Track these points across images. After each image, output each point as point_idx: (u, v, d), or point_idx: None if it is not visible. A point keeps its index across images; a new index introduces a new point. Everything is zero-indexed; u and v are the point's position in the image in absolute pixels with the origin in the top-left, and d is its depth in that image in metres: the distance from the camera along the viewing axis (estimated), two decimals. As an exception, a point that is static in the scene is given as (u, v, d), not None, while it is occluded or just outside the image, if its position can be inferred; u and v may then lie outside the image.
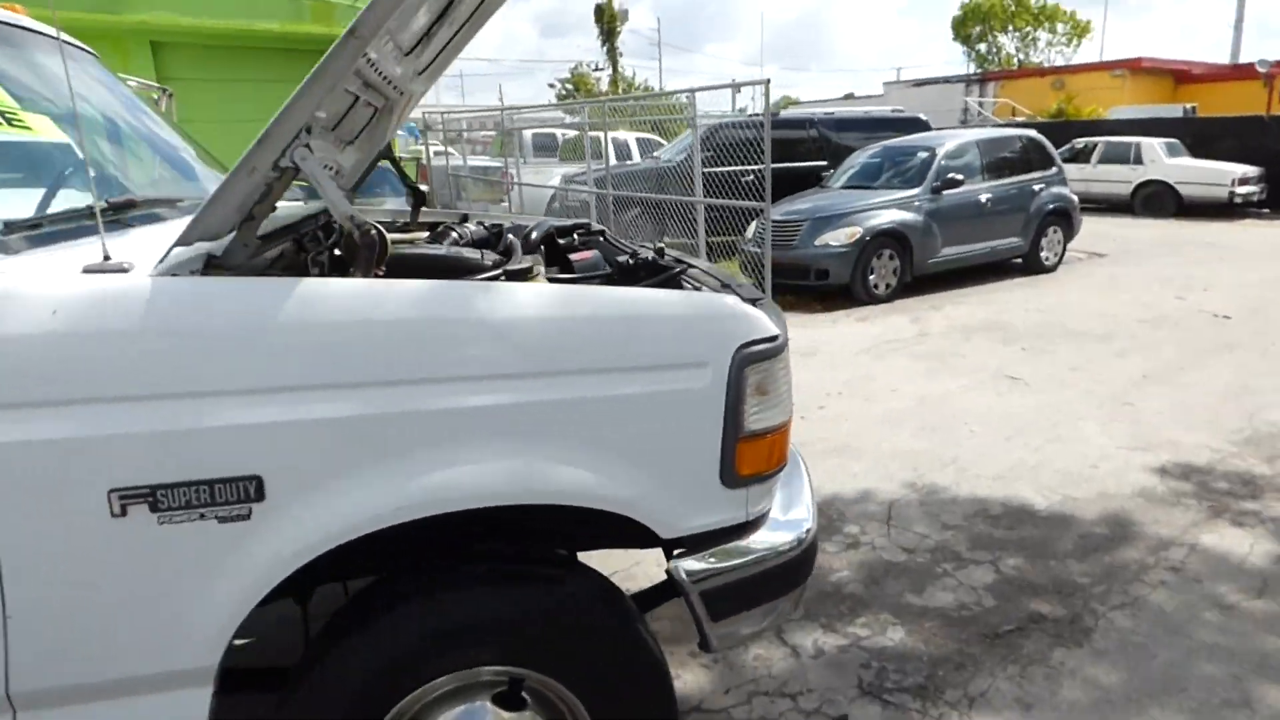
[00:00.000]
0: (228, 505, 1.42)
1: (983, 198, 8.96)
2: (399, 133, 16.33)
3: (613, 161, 11.88)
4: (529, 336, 1.54)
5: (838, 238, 8.09)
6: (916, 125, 11.72)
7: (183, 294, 1.42)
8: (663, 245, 2.47)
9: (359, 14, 1.50)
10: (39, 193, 1.81)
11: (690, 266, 2.22)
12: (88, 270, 1.43)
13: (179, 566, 1.42)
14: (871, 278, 8.26)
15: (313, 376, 1.44)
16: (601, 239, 2.91)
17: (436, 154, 13.95)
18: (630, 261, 2.18)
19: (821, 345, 6.80)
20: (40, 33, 2.16)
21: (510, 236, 2.59)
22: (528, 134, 13.61)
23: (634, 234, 9.26)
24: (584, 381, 1.57)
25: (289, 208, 2.98)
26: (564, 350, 1.56)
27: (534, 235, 2.81)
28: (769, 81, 6.13)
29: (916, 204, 8.54)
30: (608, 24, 35.59)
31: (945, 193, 8.64)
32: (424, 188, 11.64)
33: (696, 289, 1.94)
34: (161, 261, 1.46)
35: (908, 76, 37.57)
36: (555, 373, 1.55)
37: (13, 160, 1.79)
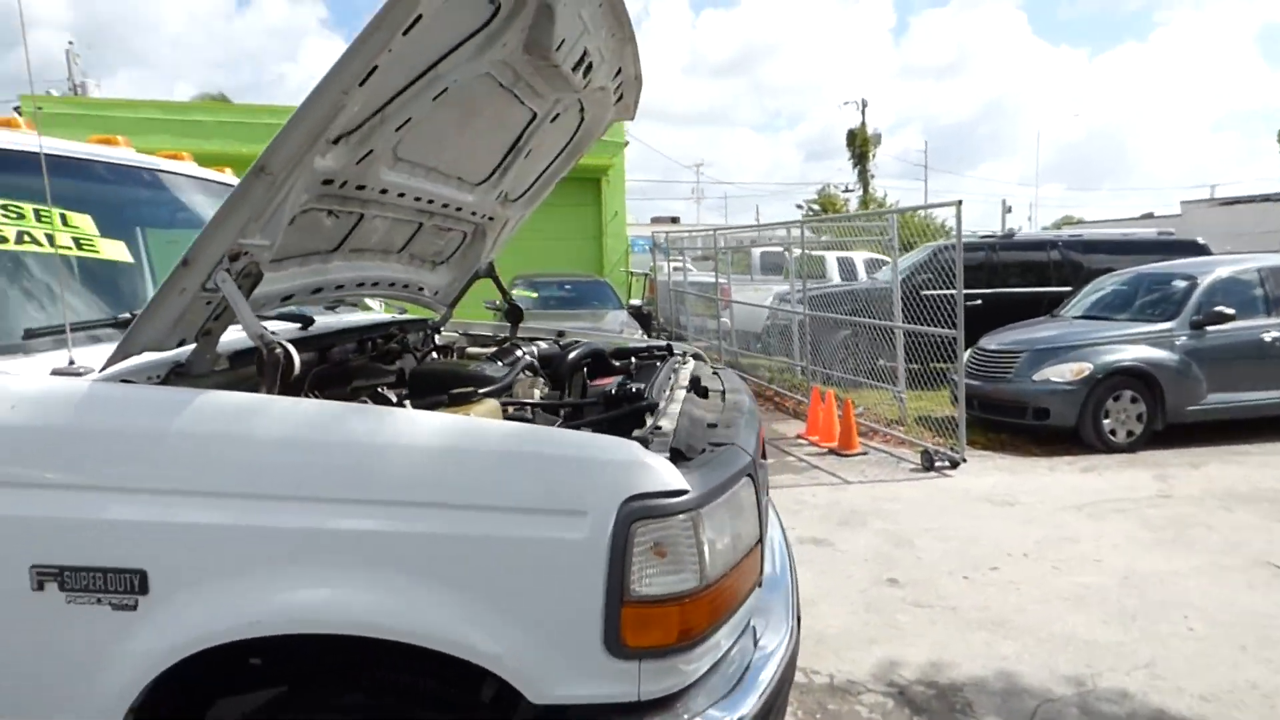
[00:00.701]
0: (117, 594, 1.49)
1: (1269, 336, 7.39)
2: (638, 249, 17.39)
3: (835, 280, 11.64)
4: (400, 464, 1.48)
5: (1061, 373, 7.08)
6: (1187, 249, 10.13)
7: (103, 398, 1.55)
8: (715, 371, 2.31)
9: (267, 149, 1.57)
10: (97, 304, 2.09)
11: (670, 402, 2.03)
12: (54, 372, 1.61)
13: (80, 644, 1.51)
14: (1106, 422, 7.07)
15: (194, 483, 1.50)
16: (658, 363, 2.79)
17: (675, 269, 14.62)
18: (617, 392, 2.03)
19: (1023, 495, 5.86)
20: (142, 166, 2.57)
21: (536, 355, 2.56)
22: (756, 252, 13.85)
23: (846, 356, 8.88)
24: (455, 517, 1.46)
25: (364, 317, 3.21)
26: (436, 482, 1.48)
27: (572, 356, 2.76)
28: (960, 203, 5.69)
29: (1170, 340, 7.25)
30: (860, 147, 35.95)
31: (1210, 328, 7.25)
32: (640, 303, 12.13)
33: (632, 429, 1.76)
34: (105, 368, 1.60)
35: (1223, 194, 32.98)
36: (425, 504, 1.47)
37: (80, 277, 2.09)
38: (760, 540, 1.80)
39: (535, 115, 2.70)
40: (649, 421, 1.88)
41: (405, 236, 2.71)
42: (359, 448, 1.48)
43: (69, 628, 1.50)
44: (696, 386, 2.40)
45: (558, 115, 2.79)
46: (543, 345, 3.02)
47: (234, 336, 2.05)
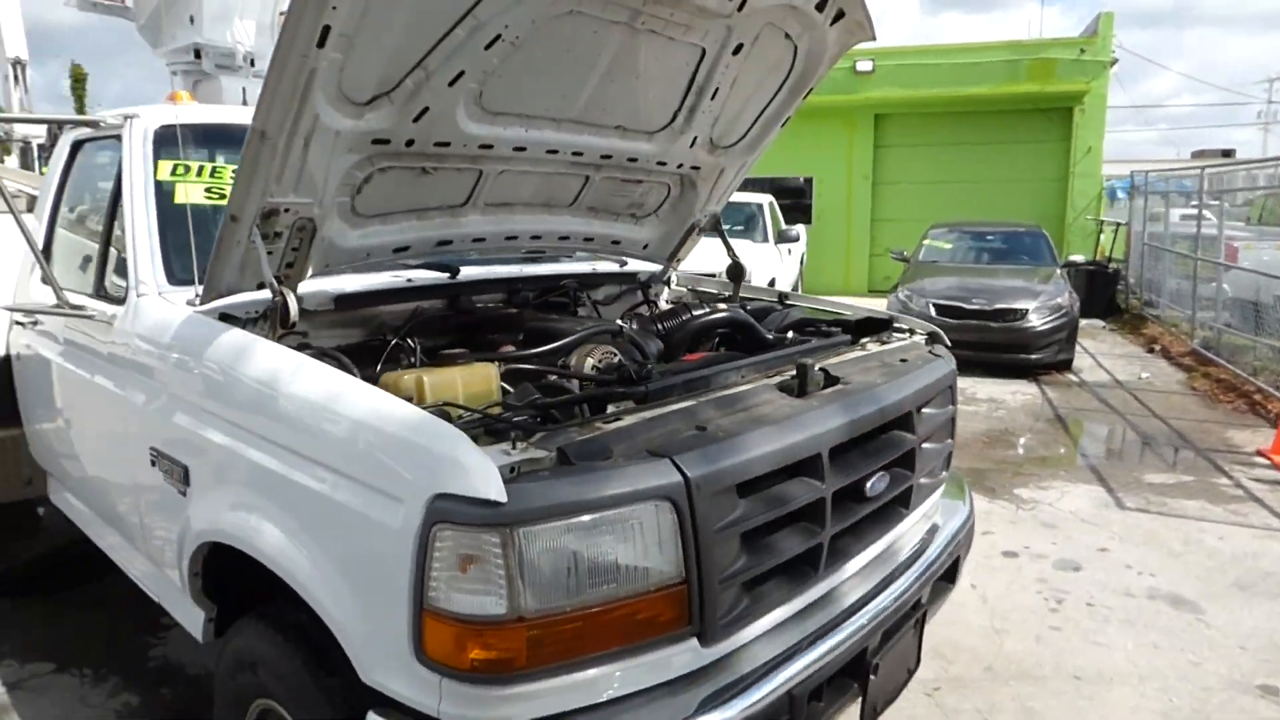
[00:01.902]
0: (177, 482, 1.93)
1: None
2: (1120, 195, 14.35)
3: None
4: (291, 416, 1.59)
5: None
6: None
7: (179, 326, 2.01)
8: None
9: (256, 115, 1.66)
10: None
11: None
12: (187, 303, 2.04)
13: (168, 509, 2.00)
14: None
15: (205, 405, 1.86)
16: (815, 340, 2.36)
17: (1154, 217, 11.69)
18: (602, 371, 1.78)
19: None
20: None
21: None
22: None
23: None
24: (322, 475, 1.50)
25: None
26: (312, 438, 1.53)
27: (696, 323, 2.44)
28: None
29: None
30: None
31: None
32: (1102, 260, 10.01)
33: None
34: (203, 303, 1.96)
35: None
36: (305, 458, 1.54)
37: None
38: (687, 582, 1.40)
39: (704, 51, 2.37)
40: (610, 409, 1.58)
41: (572, 190, 2.66)
42: (278, 397, 1.61)
43: (163, 496, 2.00)
44: (803, 379, 1.90)
45: (740, 47, 2.41)
46: (723, 309, 2.70)
47: (339, 282, 2.30)
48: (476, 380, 1.79)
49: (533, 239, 2.69)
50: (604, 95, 2.34)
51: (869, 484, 1.84)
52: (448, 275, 2.52)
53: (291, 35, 1.55)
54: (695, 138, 2.71)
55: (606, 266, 3.19)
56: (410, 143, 2.02)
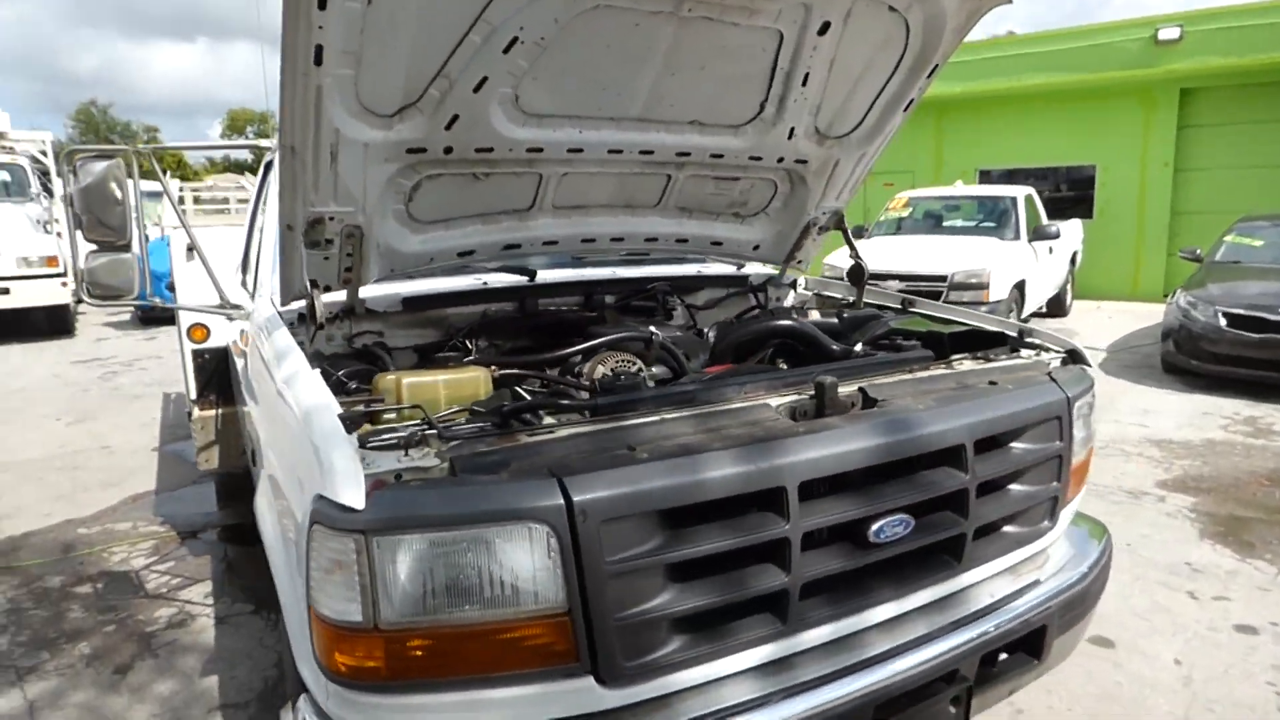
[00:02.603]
0: (255, 462, 2.17)
1: None
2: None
3: None
4: (274, 410, 1.76)
5: None
6: None
7: (257, 321, 2.20)
8: None
9: (281, 129, 1.81)
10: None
11: None
12: (271, 302, 2.33)
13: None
14: None
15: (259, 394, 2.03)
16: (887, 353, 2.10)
17: None
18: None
19: None
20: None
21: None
22: None
23: None
24: (278, 455, 1.67)
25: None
26: (280, 431, 1.67)
27: (736, 334, 2.21)
28: None
29: None
30: None
31: None
32: None
33: None
34: (283, 304, 2.21)
35: None
36: (278, 449, 1.70)
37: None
38: (571, 613, 1.28)
39: (782, 35, 2.18)
40: (549, 421, 1.50)
41: (654, 190, 2.57)
42: (265, 387, 1.79)
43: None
44: (820, 399, 1.66)
45: (826, 26, 2.18)
46: (816, 317, 2.46)
47: (416, 285, 2.44)
48: (463, 384, 1.80)
49: (613, 241, 2.65)
50: (668, 90, 2.23)
51: (873, 528, 1.55)
52: (526, 278, 2.58)
53: (289, 54, 1.67)
54: (793, 128, 2.49)
55: (719, 269, 3.05)
56: (449, 150, 2.09)
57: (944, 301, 8.00)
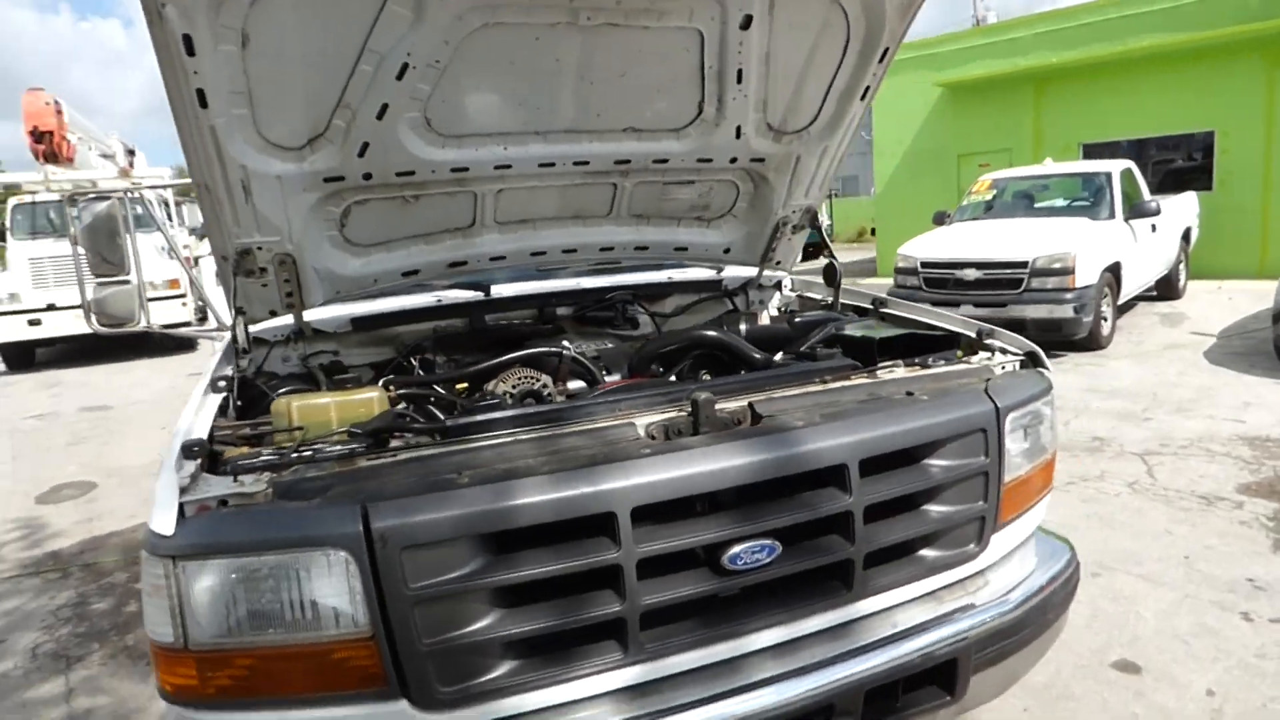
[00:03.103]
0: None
1: None
2: None
3: None
4: None
5: None
6: None
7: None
8: None
9: (190, 168, 1.91)
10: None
11: None
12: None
13: None
14: None
15: None
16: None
17: None
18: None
19: None
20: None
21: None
22: None
23: None
24: None
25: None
26: None
27: (652, 346, 2.15)
28: None
29: None
30: None
31: None
32: None
33: None
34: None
35: None
36: None
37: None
38: (376, 638, 1.30)
39: (701, 34, 2.12)
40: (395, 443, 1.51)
41: (602, 199, 2.54)
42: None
43: None
44: (696, 416, 1.60)
45: (749, 19, 2.10)
46: (766, 319, 2.38)
47: (367, 306, 2.51)
48: (355, 405, 1.84)
49: (565, 252, 2.64)
50: (592, 100, 2.21)
51: (729, 554, 1.48)
52: (480, 294, 2.61)
53: (174, 98, 1.75)
54: (739, 127, 2.40)
55: (694, 275, 2.98)
56: (369, 176, 2.14)
57: (1025, 290, 7.50)
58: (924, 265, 7.91)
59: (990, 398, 1.79)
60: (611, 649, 1.45)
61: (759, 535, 1.51)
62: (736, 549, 1.49)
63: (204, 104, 1.78)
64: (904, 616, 1.71)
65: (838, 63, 2.33)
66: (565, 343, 2.31)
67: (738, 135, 2.43)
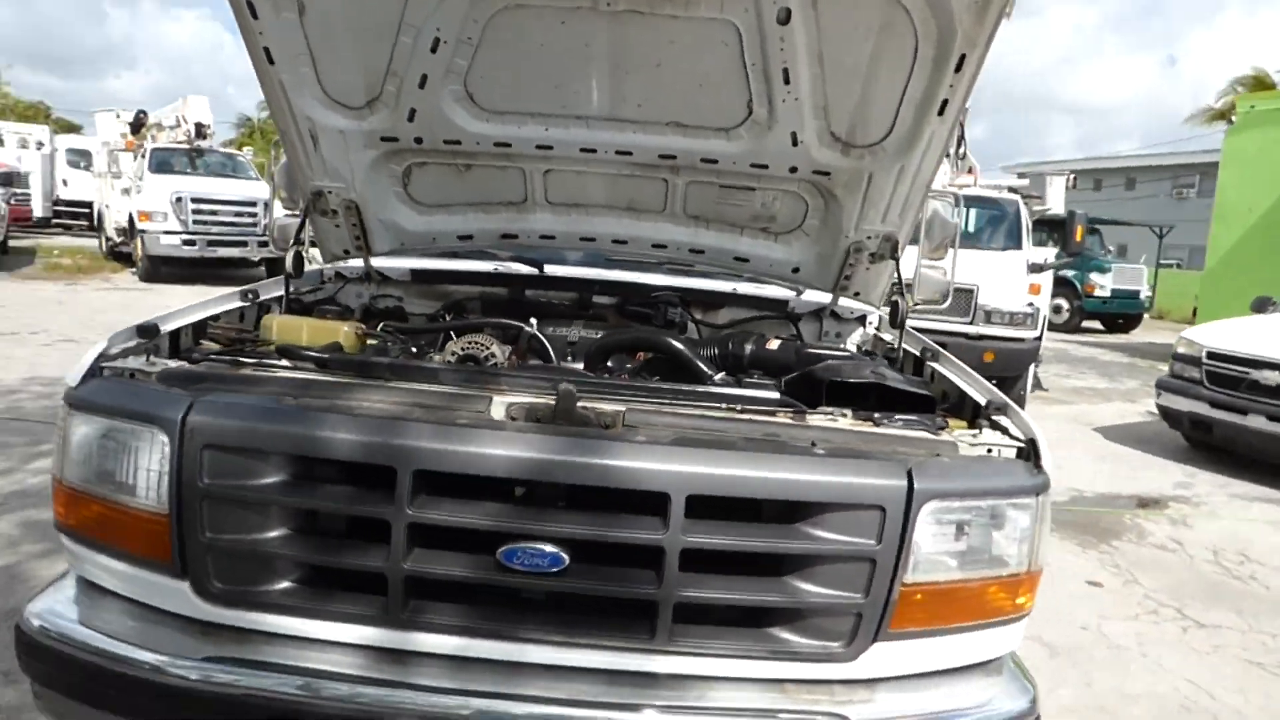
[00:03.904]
0: None
1: None
2: None
3: None
4: None
5: None
6: None
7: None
8: None
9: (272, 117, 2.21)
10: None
11: None
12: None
13: None
14: None
15: None
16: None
17: None
18: None
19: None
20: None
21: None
22: None
23: None
24: None
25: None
26: None
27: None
28: None
29: None
30: None
31: None
32: None
33: None
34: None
35: None
36: None
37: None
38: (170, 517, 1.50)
39: (737, 27, 2.00)
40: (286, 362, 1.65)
41: (655, 194, 2.48)
42: None
43: None
44: (556, 408, 1.53)
45: (788, 14, 1.95)
46: (775, 344, 2.21)
47: (422, 262, 2.70)
48: (323, 332, 2.04)
49: (615, 242, 2.61)
50: (630, 89, 2.19)
51: (504, 549, 1.40)
52: (535, 270, 2.69)
53: (252, 55, 2.06)
54: (794, 133, 2.21)
55: (764, 291, 2.75)
56: (420, 140, 2.31)
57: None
58: (1210, 356, 6.43)
59: (909, 475, 1.46)
60: (374, 605, 1.46)
61: (542, 539, 1.40)
62: (513, 546, 1.40)
63: (271, 61, 2.07)
64: (727, 695, 1.48)
65: (908, 70, 2.03)
66: (534, 320, 2.32)
67: (795, 142, 2.23)
